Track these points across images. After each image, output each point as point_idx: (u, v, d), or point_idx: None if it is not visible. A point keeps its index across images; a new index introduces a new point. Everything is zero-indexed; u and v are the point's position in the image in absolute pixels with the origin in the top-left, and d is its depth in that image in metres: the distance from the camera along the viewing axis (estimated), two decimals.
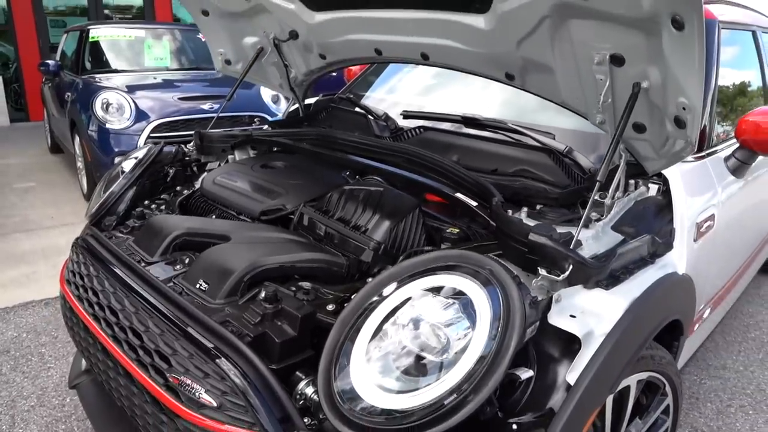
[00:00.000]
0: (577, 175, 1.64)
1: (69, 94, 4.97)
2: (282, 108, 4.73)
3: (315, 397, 1.13)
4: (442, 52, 1.77)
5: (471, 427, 1.06)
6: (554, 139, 1.73)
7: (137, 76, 5.15)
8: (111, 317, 1.41)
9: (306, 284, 1.37)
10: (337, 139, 1.95)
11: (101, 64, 5.38)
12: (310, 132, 2.11)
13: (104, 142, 4.30)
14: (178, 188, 2.05)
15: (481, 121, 1.89)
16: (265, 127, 2.49)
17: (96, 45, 5.46)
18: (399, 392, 1.06)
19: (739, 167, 1.88)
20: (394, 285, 1.19)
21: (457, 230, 1.48)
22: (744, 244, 2.26)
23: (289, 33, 2.16)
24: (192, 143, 2.20)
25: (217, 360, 1.15)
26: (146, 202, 1.94)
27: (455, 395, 1.00)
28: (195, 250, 1.52)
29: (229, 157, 2.20)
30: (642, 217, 1.52)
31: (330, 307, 1.30)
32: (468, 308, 1.10)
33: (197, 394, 1.14)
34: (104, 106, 4.34)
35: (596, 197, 1.45)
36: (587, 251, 1.29)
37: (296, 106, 2.57)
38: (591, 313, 1.19)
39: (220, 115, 2.43)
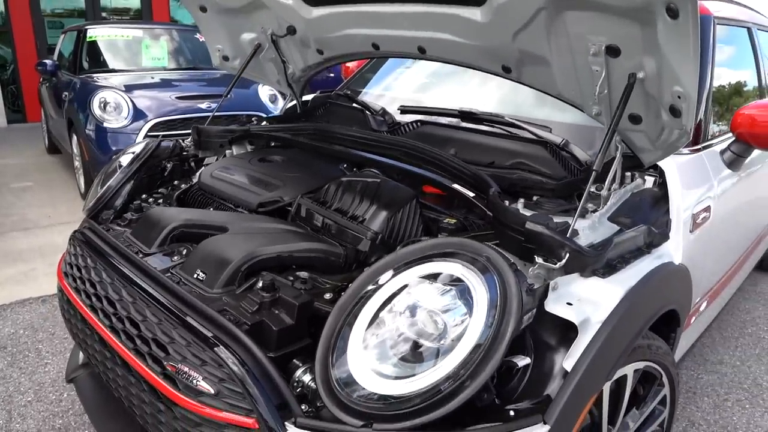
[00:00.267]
0: (573, 168, 1.64)
1: (66, 93, 4.97)
2: (279, 107, 4.73)
3: (312, 384, 1.13)
4: (439, 46, 1.77)
5: (469, 413, 1.06)
6: (551, 132, 1.74)
7: (135, 75, 5.15)
8: (108, 308, 1.41)
9: (303, 274, 1.37)
10: (335, 133, 1.96)
11: (99, 64, 5.37)
12: (307, 126, 2.11)
13: (102, 141, 4.30)
14: (176, 182, 2.05)
15: (478, 115, 1.89)
16: (263, 123, 2.48)
17: (93, 45, 5.46)
18: (396, 378, 1.06)
19: (734, 160, 1.89)
20: (390, 273, 1.20)
21: (454, 221, 1.49)
22: (740, 239, 2.27)
23: (286, 28, 2.16)
24: (189, 138, 2.21)
25: (215, 348, 1.15)
26: (144, 196, 1.94)
27: (452, 381, 1.01)
28: (192, 241, 1.52)
29: (227, 151, 2.20)
30: (638, 208, 1.53)
31: (327, 296, 1.31)
32: (465, 295, 1.11)
33: (195, 381, 1.14)
34: (102, 105, 4.34)
35: (593, 189, 1.45)
36: (584, 241, 1.29)
37: (294, 102, 2.57)
38: (588, 301, 1.20)
39: (218, 114, 2.43)
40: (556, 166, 1.66)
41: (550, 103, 1.91)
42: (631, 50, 1.32)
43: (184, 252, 1.49)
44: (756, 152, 2.08)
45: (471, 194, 1.47)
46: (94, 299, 1.47)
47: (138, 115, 4.36)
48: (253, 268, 1.35)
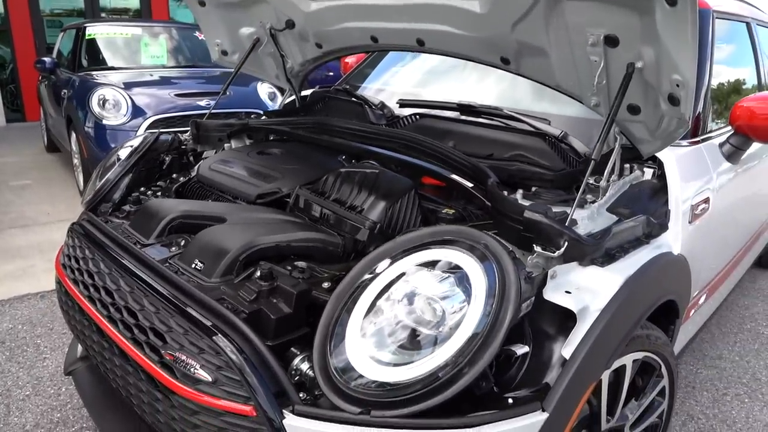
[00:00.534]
0: (572, 160, 1.64)
1: (65, 91, 4.96)
2: (278, 105, 4.73)
3: (310, 372, 1.13)
4: (438, 38, 1.77)
5: (467, 401, 1.06)
6: (549, 125, 1.74)
7: (134, 73, 5.14)
8: (106, 298, 1.40)
9: (301, 263, 1.37)
10: (334, 127, 1.96)
11: (98, 62, 5.37)
12: (306, 120, 2.11)
13: (101, 138, 4.29)
14: (174, 176, 2.05)
15: (476, 108, 1.89)
16: (262, 117, 2.48)
17: (92, 43, 5.45)
18: (394, 365, 1.06)
19: (733, 153, 1.89)
20: (387, 261, 1.20)
21: (453, 211, 1.49)
22: (738, 233, 2.27)
23: (285, 22, 2.16)
24: (188, 133, 2.20)
25: (213, 336, 1.15)
26: (142, 188, 1.94)
27: (450, 368, 1.01)
28: (191, 232, 1.52)
29: (225, 145, 2.20)
30: (637, 199, 1.53)
31: (325, 285, 1.30)
32: (463, 282, 1.10)
33: (192, 369, 1.14)
34: (101, 102, 4.33)
35: (591, 181, 1.45)
36: (582, 231, 1.29)
37: (293, 97, 2.57)
38: (586, 289, 1.20)
39: (217, 111, 2.42)
40: (554, 158, 1.66)
41: (548, 97, 1.91)
42: (629, 40, 1.32)
43: (182, 242, 1.49)
44: (755, 146, 2.08)
45: (469, 184, 1.47)
46: (92, 290, 1.47)
47: (137, 112, 4.35)
48: (252, 257, 1.35)
